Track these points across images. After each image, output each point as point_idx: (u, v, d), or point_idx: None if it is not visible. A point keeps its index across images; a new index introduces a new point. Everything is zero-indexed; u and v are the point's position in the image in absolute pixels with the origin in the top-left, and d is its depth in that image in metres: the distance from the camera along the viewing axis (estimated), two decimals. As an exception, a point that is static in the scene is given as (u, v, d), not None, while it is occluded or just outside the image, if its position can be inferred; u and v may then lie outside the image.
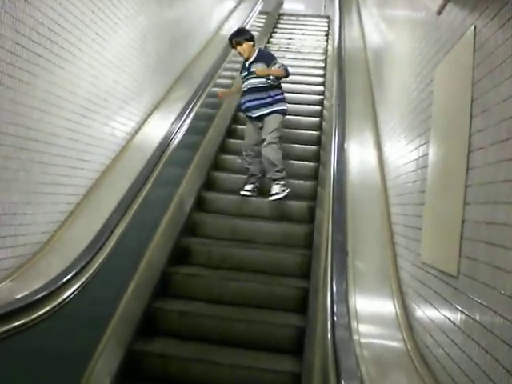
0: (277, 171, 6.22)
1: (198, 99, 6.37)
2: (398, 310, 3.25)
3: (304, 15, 15.72)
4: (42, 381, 3.29)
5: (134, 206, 4.46)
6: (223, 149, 7.78)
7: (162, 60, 6.02)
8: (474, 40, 2.32)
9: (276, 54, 11.12)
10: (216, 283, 5.30)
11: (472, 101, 2.28)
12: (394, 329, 3.10)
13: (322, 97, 9.31)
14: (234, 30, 6.89)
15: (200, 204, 6.63)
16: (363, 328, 3.04)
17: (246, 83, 6.51)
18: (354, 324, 3.00)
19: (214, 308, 5.02)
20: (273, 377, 4.33)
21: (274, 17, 13.83)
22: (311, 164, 7.36)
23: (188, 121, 5.97)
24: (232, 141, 7.86)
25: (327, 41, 12.32)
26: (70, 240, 3.85)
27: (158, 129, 5.53)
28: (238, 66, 8.72)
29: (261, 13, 11.13)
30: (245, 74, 6.56)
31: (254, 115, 6.43)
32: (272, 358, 4.54)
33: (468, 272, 2.14)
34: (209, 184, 7.05)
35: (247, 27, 9.45)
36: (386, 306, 3.35)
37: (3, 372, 2.84)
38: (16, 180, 3.30)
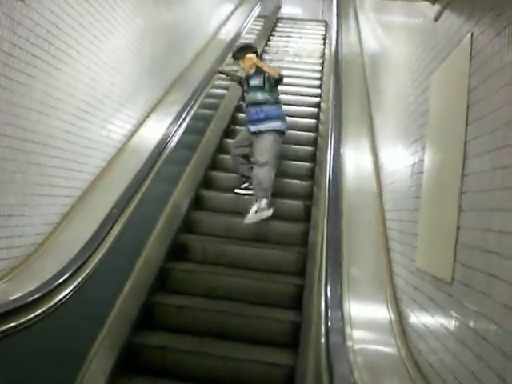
0: (261, 189, 6.06)
1: (195, 101, 6.37)
2: (392, 316, 3.25)
3: (302, 20, 15.76)
4: (37, 382, 3.29)
5: (132, 205, 4.49)
6: (221, 149, 7.86)
7: (158, 62, 6.02)
8: (471, 47, 2.33)
9: (274, 57, 11.33)
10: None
11: (468, 108, 2.29)
12: (388, 335, 3.10)
13: (318, 99, 9.37)
14: (242, 44, 6.89)
15: (197, 202, 6.79)
16: (357, 334, 3.04)
17: (247, 96, 6.51)
18: (347, 329, 3.00)
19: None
20: (268, 369, 4.45)
21: (271, 21, 13.85)
22: (307, 164, 7.46)
23: (186, 122, 5.97)
24: (230, 141, 7.82)
25: (324, 44, 12.38)
26: (65, 242, 3.84)
27: (155, 130, 5.53)
28: (236, 67, 8.82)
29: (259, 16, 11.14)
30: (246, 88, 6.55)
31: (251, 129, 6.38)
32: (267, 351, 4.66)
33: (462, 279, 2.14)
34: (206, 183, 7.17)
35: (245, 31, 9.52)
36: (380, 312, 3.35)
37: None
38: (12, 182, 3.29)
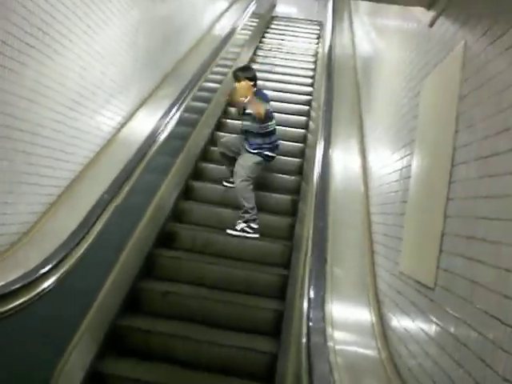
0: (242, 212, 6.17)
1: (188, 94, 6.37)
2: (373, 319, 3.26)
3: (296, 19, 15.76)
4: (22, 365, 3.33)
5: (120, 196, 4.49)
6: (212, 141, 7.91)
7: (152, 55, 6.00)
8: (464, 55, 2.34)
9: (268, 54, 11.38)
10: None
11: (458, 115, 2.30)
12: (369, 337, 3.11)
13: (310, 97, 9.46)
14: (244, 65, 6.98)
15: (187, 192, 6.93)
16: (338, 335, 3.05)
17: (242, 121, 6.57)
18: (329, 330, 3.00)
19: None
20: (251, 354, 4.60)
21: (266, 19, 13.86)
22: (297, 160, 7.59)
23: (177, 114, 5.98)
24: (221, 134, 7.97)
25: (318, 43, 12.45)
26: (50, 231, 3.82)
27: (146, 122, 5.52)
28: (229, 63, 8.86)
29: (253, 14, 11.15)
30: (242, 112, 6.57)
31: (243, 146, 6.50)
32: (250, 337, 4.80)
33: (445, 284, 2.16)
34: (196, 174, 7.29)
35: (239, 28, 9.50)
36: (363, 314, 3.37)
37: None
38: (-1, 169, 3.27)
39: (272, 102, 6.93)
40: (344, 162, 5.23)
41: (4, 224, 3.43)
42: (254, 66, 9.74)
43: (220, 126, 8.41)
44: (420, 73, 3.19)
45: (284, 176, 7.25)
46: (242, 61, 10.25)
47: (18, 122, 3.39)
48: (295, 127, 8.32)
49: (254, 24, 11.71)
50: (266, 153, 6.41)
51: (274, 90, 9.03)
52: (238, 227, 6.10)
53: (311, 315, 2.98)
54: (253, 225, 6.11)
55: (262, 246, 6.02)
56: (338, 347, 2.89)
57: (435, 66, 2.84)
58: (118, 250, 4.84)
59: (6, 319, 3.00)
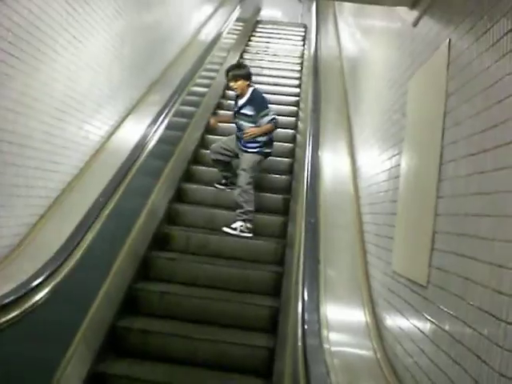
0: (241, 212, 6.20)
1: (176, 100, 6.41)
2: (368, 319, 3.27)
3: (281, 22, 15.83)
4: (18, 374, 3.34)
5: (111, 205, 4.51)
6: (202, 144, 7.99)
7: (138, 64, 6.00)
8: (449, 53, 2.35)
9: (254, 57, 11.43)
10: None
11: (445, 113, 2.31)
12: (365, 337, 3.12)
13: (297, 98, 9.55)
14: (238, 63, 6.89)
15: (180, 195, 7.00)
16: (334, 336, 3.05)
17: (236, 120, 6.58)
18: (324, 332, 3.01)
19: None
20: (248, 350, 4.68)
21: (251, 23, 13.91)
22: (287, 160, 7.74)
23: (166, 120, 6.03)
24: (210, 137, 8.07)
25: (304, 45, 12.49)
26: (42, 242, 3.81)
27: (135, 130, 5.53)
28: (216, 67, 8.88)
29: (238, 19, 11.19)
30: (236, 109, 6.58)
31: (239, 145, 6.52)
32: (247, 334, 4.89)
33: (438, 282, 2.16)
34: (188, 176, 7.36)
35: (225, 32, 9.53)
36: (357, 315, 3.37)
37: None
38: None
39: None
40: (333, 162, 5.23)
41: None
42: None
43: (210, 129, 8.41)
44: (406, 72, 3.20)
45: (275, 176, 7.36)
46: (229, 64, 10.23)
47: (7, 135, 3.38)
48: (284, 128, 8.34)
49: (240, 28, 11.76)
50: (266, 150, 6.46)
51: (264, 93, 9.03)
52: (235, 226, 6.12)
53: (306, 318, 2.99)
54: (249, 225, 6.16)
55: (256, 245, 6.10)
56: (333, 349, 2.89)
57: (421, 65, 2.85)
58: (113, 256, 4.87)
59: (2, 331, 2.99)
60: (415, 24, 3.10)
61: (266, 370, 4.51)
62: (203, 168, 7.40)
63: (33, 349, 3.47)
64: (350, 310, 3.55)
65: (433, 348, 2.11)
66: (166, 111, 6.03)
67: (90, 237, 4.09)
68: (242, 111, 6.44)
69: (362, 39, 6.03)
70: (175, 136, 6.94)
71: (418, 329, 2.34)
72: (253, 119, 6.36)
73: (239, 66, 6.83)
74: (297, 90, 9.95)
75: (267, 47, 12.40)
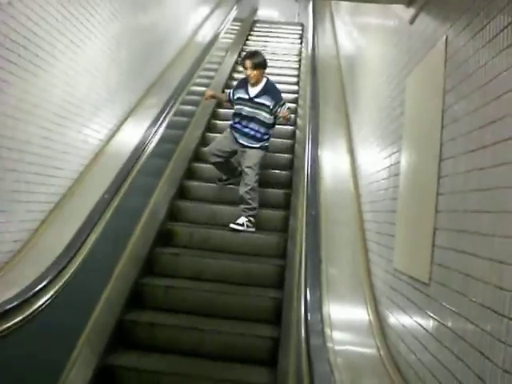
0: (248, 208, 6.26)
1: (174, 101, 6.41)
2: (371, 317, 3.27)
3: (278, 22, 15.84)
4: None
5: (113, 206, 4.55)
6: (203, 142, 8.00)
7: (136, 66, 6.00)
8: (446, 50, 2.35)
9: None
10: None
11: (443, 110, 2.31)
12: (368, 335, 3.12)
13: (296, 95, 9.55)
14: (255, 51, 6.74)
15: (182, 192, 7.10)
16: (337, 335, 3.06)
17: (244, 108, 6.45)
18: (327, 331, 3.01)
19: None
20: (252, 340, 4.81)
21: (248, 23, 13.93)
22: (287, 155, 7.82)
23: (167, 119, 6.07)
24: (211, 135, 8.11)
25: (301, 44, 12.52)
26: (44, 247, 3.82)
27: (134, 132, 5.55)
28: (216, 66, 8.90)
29: (235, 19, 11.20)
30: (244, 97, 6.46)
31: (239, 140, 6.45)
32: (251, 325, 4.99)
33: (440, 279, 2.16)
34: (190, 174, 7.50)
35: (222, 33, 9.55)
36: (360, 313, 3.37)
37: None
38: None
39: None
40: (333, 161, 5.24)
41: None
42: (240, 68, 9.90)
43: (210, 128, 8.59)
44: (403, 70, 3.21)
45: (276, 171, 7.43)
46: (227, 64, 10.42)
47: (7, 141, 3.38)
48: (284, 124, 8.36)
49: (237, 28, 11.79)
50: (267, 144, 6.49)
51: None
52: (241, 221, 6.18)
53: (309, 318, 2.99)
54: (252, 219, 6.23)
55: (259, 239, 6.20)
56: (337, 347, 2.89)
57: (418, 62, 2.85)
58: (117, 255, 4.95)
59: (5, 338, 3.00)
60: (412, 21, 3.10)
61: (270, 358, 4.60)
62: (204, 165, 7.44)
63: (37, 353, 3.47)
64: (352, 309, 3.56)
65: (436, 345, 2.11)
66: (166, 111, 6.06)
67: (93, 237, 4.11)
68: (258, 100, 6.36)
69: (359, 37, 6.03)
70: (176, 135, 6.99)
71: (421, 326, 2.34)
72: (270, 109, 6.33)
73: (258, 53, 6.61)
74: (295, 88, 9.96)
75: (265, 46, 12.38)
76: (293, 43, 12.84)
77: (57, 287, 3.53)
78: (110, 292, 4.67)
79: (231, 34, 10.91)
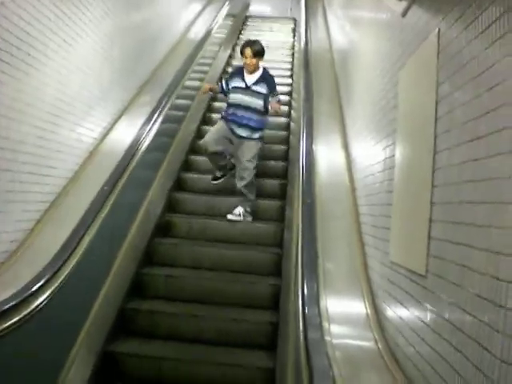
0: (246, 200, 6.37)
1: (168, 97, 6.44)
2: (368, 310, 3.27)
3: (270, 17, 15.82)
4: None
5: (110, 201, 4.56)
6: (199, 135, 8.02)
7: (128, 64, 5.98)
8: (438, 42, 2.35)
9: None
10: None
11: (437, 102, 2.31)
12: (365, 328, 3.12)
13: (289, 88, 9.64)
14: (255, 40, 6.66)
15: (179, 184, 7.24)
16: (335, 329, 3.06)
17: (239, 96, 6.38)
18: (325, 325, 3.01)
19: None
20: (253, 326, 4.92)
21: (241, 18, 13.93)
22: (282, 146, 7.94)
23: (162, 114, 6.12)
24: (207, 127, 8.07)
25: (294, 37, 12.60)
26: (40, 247, 3.81)
27: (129, 127, 5.57)
28: (210, 61, 8.92)
29: (228, 15, 11.21)
30: (241, 85, 6.39)
31: (237, 131, 6.38)
32: (250, 311, 5.12)
33: (436, 271, 2.17)
34: (187, 166, 7.62)
35: (215, 29, 9.55)
36: (357, 306, 3.37)
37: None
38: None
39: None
40: (327, 154, 5.24)
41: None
42: (234, 62, 9.94)
43: (206, 121, 8.69)
44: (396, 63, 3.20)
45: (272, 162, 7.50)
46: (221, 59, 10.48)
47: (1, 141, 3.38)
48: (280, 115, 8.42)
49: (230, 23, 11.80)
50: (262, 135, 6.50)
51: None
52: (238, 212, 6.27)
53: (307, 312, 3.00)
54: (248, 209, 6.34)
55: (257, 228, 6.32)
56: (335, 341, 2.90)
57: (411, 55, 2.85)
58: (116, 248, 5.01)
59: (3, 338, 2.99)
60: (404, 14, 3.10)
61: (269, 343, 4.72)
62: (200, 158, 7.44)
63: (35, 352, 3.47)
64: (349, 302, 3.56)
65: (434, 336, 2.11)
66: (160, 108, 6.09)
67: (91, 232, 4.13)
68: (255, 88, 6.33)
69: (351, 31, 6.03)
70: (172, 129, 7.05)
71: (419, 318, 2.34)
72: (264, 97, 6.32)
73: (257, 41, 6.55)
74: (289, 81, 10.03)
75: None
76: (286, 38, 12.86)
77: (55, 285, 3.53)
78: (111, 283, 4.72)
79: (224, 28, 10.93)
